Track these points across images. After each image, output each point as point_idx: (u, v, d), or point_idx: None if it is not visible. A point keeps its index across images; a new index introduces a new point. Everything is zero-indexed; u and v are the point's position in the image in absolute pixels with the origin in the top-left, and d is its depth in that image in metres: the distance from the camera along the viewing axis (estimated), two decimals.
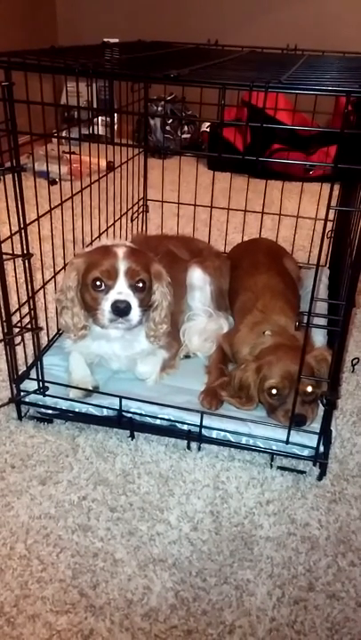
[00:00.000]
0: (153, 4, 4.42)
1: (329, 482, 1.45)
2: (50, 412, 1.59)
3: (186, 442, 1.52)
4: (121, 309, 1.41)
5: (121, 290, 1.43)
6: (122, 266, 1.44)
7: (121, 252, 1.46)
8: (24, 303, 1.48)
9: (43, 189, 1.58)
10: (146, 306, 1.49)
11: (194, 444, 1.53)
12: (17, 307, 1.49)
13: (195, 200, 2.33)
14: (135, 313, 1.43)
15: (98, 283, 1.44)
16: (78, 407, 1.56)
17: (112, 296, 1.43)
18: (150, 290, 1.51)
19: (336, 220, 2.25)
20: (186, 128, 4.37)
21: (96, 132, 2.56)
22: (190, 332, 1.82)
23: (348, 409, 1.72)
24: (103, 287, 1.44)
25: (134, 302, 1.43)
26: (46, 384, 1.57)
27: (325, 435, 1.43)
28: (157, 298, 1.54)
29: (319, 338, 1.78)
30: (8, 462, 1.46)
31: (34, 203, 1.48)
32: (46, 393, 1.57)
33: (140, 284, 1.46)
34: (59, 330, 1.82)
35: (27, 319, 1.49)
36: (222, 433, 1.49)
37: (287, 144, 3.57)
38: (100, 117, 3.14)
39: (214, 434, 1.50)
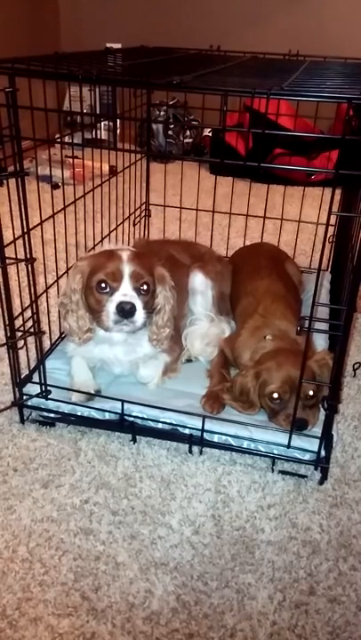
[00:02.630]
0: (155, 10, 4.44)
1: (330, 486, 1.45)
2: (52, 415, 1.59)
3: (187, 446, 1.53)
4: (126, 310, 1.42)
5: (126, 292, 1.44)
6: (126, 268, 1.45)
7: (125, 255, 1.48)
8: (27, 307, 1.49)
9: (46, 194, 1.59)
10: (149, 309, 1.50)
11: (195, 448, 1.53)
12: (20, 311, 1.50)
13: (197, 204, 2.34)
14: (140, 314, 1.44)
15: (103, 285, 1.45)
16: (80, 411, 1.56)
17: (117, 297, 1.43)
18: (154, 293, 1.52)
19: (338, 224, 2.26)
20: (188, 132, 4.38)
21: (99, 137, 2.57)
22: (192, 337, 1.83)
23: (350, 413, 1.72)
24: (108, 289, 1.45)
25: (139, 304, 1.44)
26: (49, 388, 1.58)
27: (327, 439, 1.44)
28: (160, 301, 1.55)
29: (320, 342, 1.78)
30: (10, 465, 1.46)
31: (37, 207, 1.49)
32: (48, 396, 1.58)
33: (145, 287, 1.47)
34: (61, 334, 1.83)
35: (29, 323, 1.49)
36: (224, 437, 1.50)
37: (289, 148, 3.59)
38: (102, 122, 3.16)
39: (216, 438, 1.50)
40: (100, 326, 1.48)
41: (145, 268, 1.48)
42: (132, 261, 1.46)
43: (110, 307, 1.43)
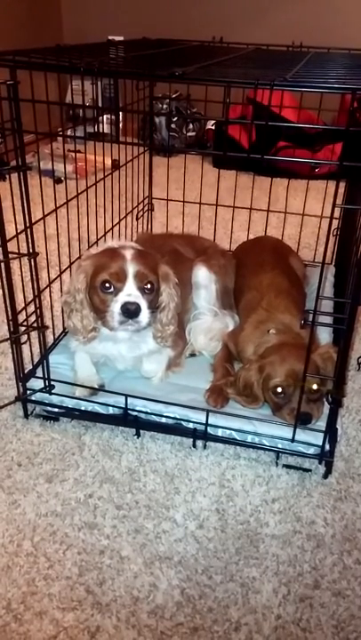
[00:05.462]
0: (157, 2, 4.41)
1: (335, 480, 1.45)
2: (56, 410, 1.59)
3: (191, 440, 1.53)
4: (131, 311, 1.41)
5: (130, 292, 1.43)
6: (130, 268, 1.44)
7: (129, 254, 1.46)
8: (30, 302, 1.49)
9: (48, 188, 1.59)
10: (154, 307, 1.49)
11: (199, 443, 1.53)
12: (23, 305, 1.50)
13: (200, 198, 2.33)
14: (145, 314, 1.43)
15: (107, 285, 1.44)
16: (84, 405, 1.56)
17: (121, 298, 1.42)
18: (158, 291, 1.51)
19: (342, 217, 2.24)
20: (191, 126, 4.36)
21: (101, 131, 2.56)
22: (196, 331, 1.83)
23: (354, 407, 1.71)
24: (112, 289, 1.44)
25: (143, 304, 1.43)
26: (52, 382, 1.58)
27: (331, 433, 1.43)
28: (164, 299, 1.54)
29: (324, 336, 1.78)
30: (15, 460, 1.47)
31: (39, 201, 1.49)
32: (52, 391, 1.58)
33: (149, 286, 1.46)
34: (64, 329, 1.82)
35: (33, 318, 1.49)
36: (228, 431, 1.49)
37: (293, 141, 3.56)
38: (105, 116, 3.15)
39: (220, 432, 1.50)
40: (105, 326, 1.47)
41: (149, 267, 1.47)
42: (135, 260, 1.45)
43: (115, 307, 1.42)
